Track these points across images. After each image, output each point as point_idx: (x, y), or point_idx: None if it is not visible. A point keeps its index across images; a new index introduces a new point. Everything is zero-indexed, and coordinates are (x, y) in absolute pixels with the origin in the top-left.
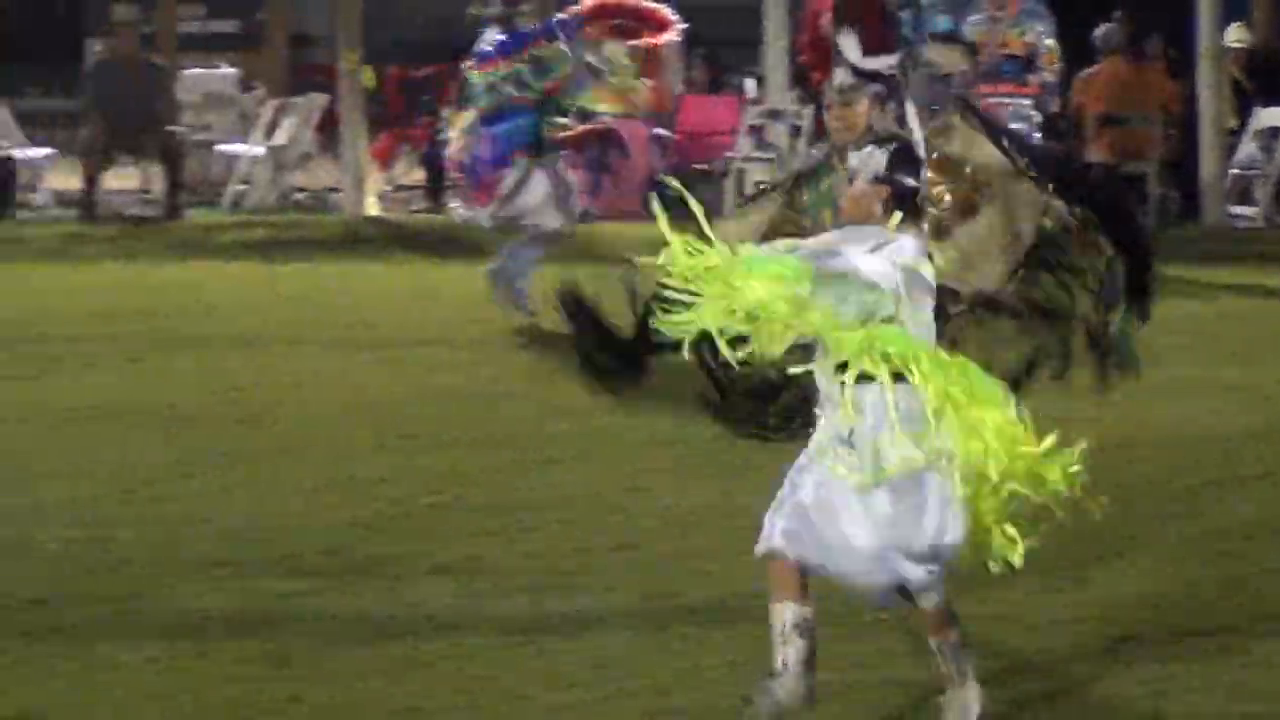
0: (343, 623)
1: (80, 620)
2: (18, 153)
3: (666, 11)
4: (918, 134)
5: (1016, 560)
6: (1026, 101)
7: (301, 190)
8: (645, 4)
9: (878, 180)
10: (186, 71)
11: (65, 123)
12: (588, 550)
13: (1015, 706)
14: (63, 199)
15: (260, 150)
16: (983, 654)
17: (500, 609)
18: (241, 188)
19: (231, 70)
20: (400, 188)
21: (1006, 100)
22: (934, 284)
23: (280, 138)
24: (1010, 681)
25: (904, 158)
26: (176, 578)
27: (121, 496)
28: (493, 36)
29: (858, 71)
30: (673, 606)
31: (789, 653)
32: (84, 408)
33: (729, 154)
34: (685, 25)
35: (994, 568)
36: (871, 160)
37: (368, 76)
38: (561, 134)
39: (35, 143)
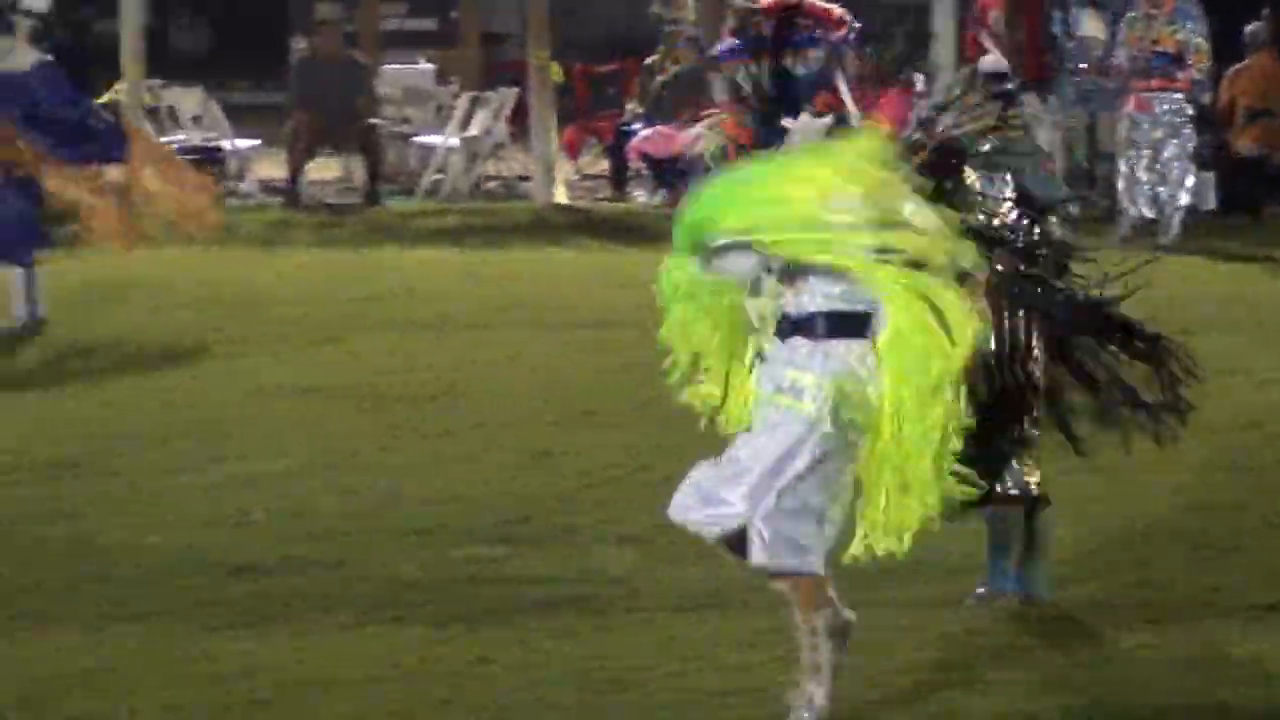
0: (531, 588)
1: (287, 587)
2: (226, 144)
3: (839, 10)
4: (853, 110)
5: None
6: (1179, 95)
7: (493, 179)
8: (819, 3)
9: None
10: (386, 67)
11: (271, 116)
12: None
13: None
14: (268, 187)
15: (455, 141)
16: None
17: (680, 575)
18: (437, 177)
19: (429, 66)
20: (586, 177)
21: (1158, 94)
22: None
23: (474, 129)
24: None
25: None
26: (376, 546)
27: (325, 469)
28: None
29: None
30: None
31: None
32: (289, 385)
33: None
34: (857, 23)
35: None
36: (811, 129)
37: (555, 72)
38: None
39: (243, 135)
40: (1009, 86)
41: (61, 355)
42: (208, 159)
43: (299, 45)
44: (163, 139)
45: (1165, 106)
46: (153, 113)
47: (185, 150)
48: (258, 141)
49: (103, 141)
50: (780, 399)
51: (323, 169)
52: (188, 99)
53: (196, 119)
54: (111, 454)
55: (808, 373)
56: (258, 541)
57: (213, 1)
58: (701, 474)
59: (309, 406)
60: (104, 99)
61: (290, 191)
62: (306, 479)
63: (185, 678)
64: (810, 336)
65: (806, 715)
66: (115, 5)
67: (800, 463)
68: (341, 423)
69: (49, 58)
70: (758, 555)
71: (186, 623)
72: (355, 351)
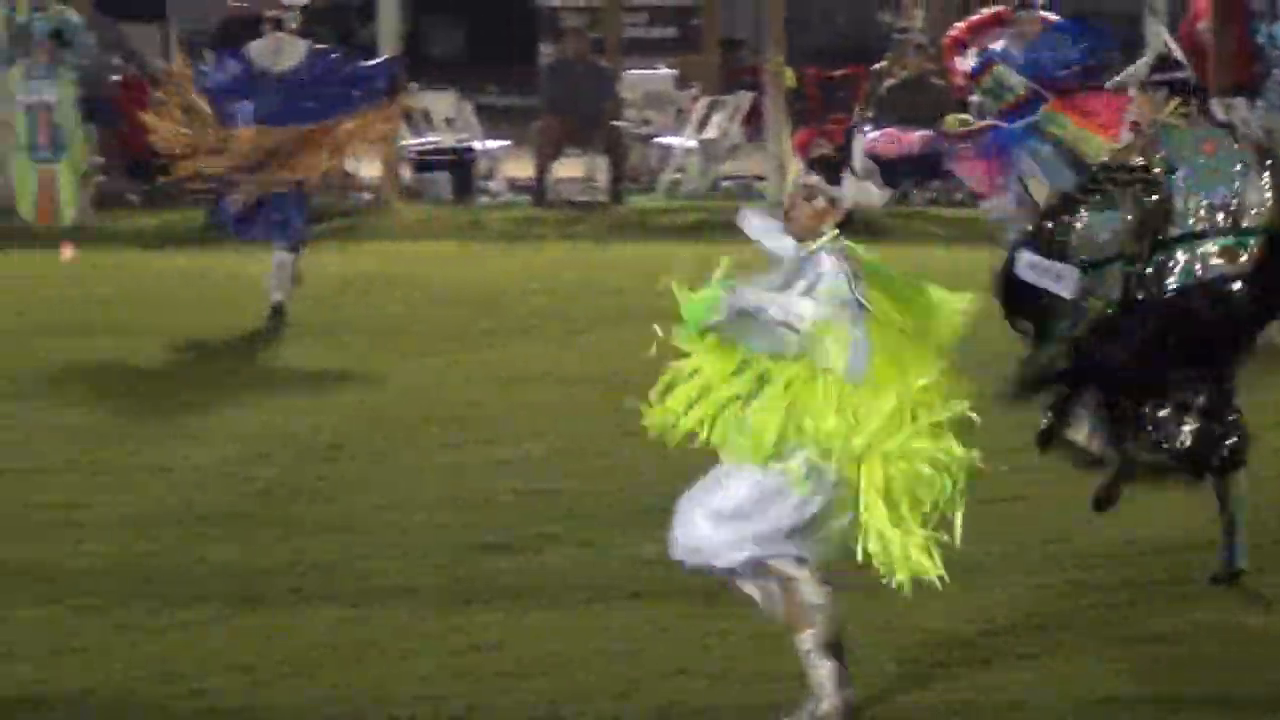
0: None
1: (536, 564)
2: (477, 144)
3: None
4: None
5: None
6: None
7: (730, 178)
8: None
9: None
10: (629, 72)
11: (520, 117)
12: None
13: None
14: (516, 186)
15: (693, 142)
16: None
17: None
18: (676, 176)
19: (669, 71)
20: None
21: None
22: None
23: (711, 131)
24: None
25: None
26: (618, 527)
27: (570, 454)
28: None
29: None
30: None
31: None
32: (536, 375)
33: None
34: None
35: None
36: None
37: (789, 77)
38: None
39: (493, 136)
40: (1181, 75)
41: (323, 345)
42: (460, 159)
43: (548, 51)
44: (417, 140)
45: None
46: (407, 116)
47: (438, 151)
48: (507, 142)
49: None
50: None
51: (568, 168)
52: (441, 102)
53: (449, 121)
54: (373, 438)
55: None
56: (508, 521)
57: (467, 9)
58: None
59: (555, 394)
60: None
61: (537, 190)
62: (553, 462)
63: (439, 650)
64: None
65: None
66: (375, 12)
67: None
68: (585, 410)
69: (317, 46)
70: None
71: (441, 598)
72: (599, 342)
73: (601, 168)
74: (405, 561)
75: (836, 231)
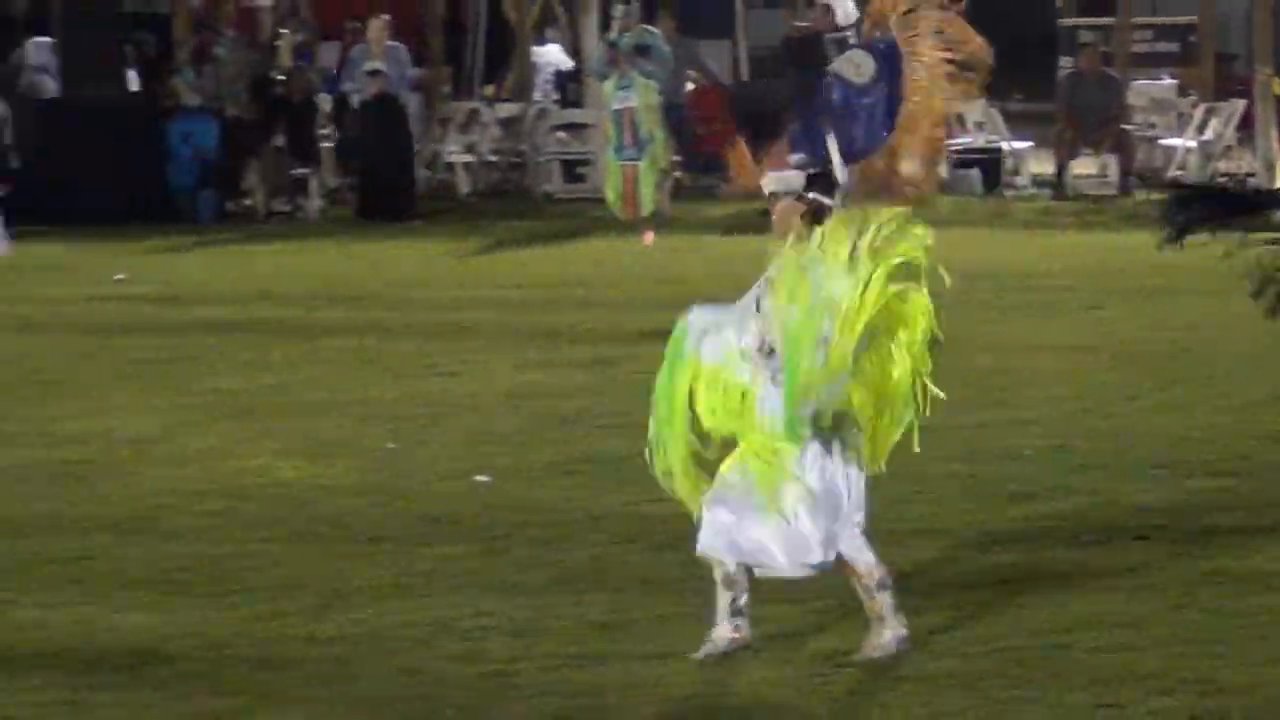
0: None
1: (1054, 511)
2: (1005, 145)
3: None
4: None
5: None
6: None
7: (1225, 175)
8: None
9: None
10: (1136, 82)
11: (1041, 121)
12: None
13: None
14: (1038, 181)
15: (1192, 144)
16: None
17: None
18: (1177, 173)
19: (1171, 81)
20: None
21: None
22: None
23: (1208, 134)
24: None
25: (821, 179)
26: (1124, 478)
27: (1082, 414)
28: None
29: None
30: None
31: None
32: (1053, 345)
33: None
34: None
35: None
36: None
37: (1276, 86)
38: None
39: (1019, 137)
40: None
41: None
42: (990, 157)
43: (1066, 64)
44: (950, 141)
45: None
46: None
47: (971, 150)
48: (1030, 143)
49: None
50: None
51: (1084, 165)
52: (973, 108)
53: (980, 124)
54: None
55: None
56: (1029, 473)
57: (998, 28)
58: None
59: (1070, 362)
60: None
61: (1057, 184)
62: (1068, 422)
63: (962, 583)
64: None
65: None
66: None
67: None
68: (1096, 375)
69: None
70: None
71: (968, 539)
72: (1109, 317)
73: (1112, 165)
74: (939, 507)
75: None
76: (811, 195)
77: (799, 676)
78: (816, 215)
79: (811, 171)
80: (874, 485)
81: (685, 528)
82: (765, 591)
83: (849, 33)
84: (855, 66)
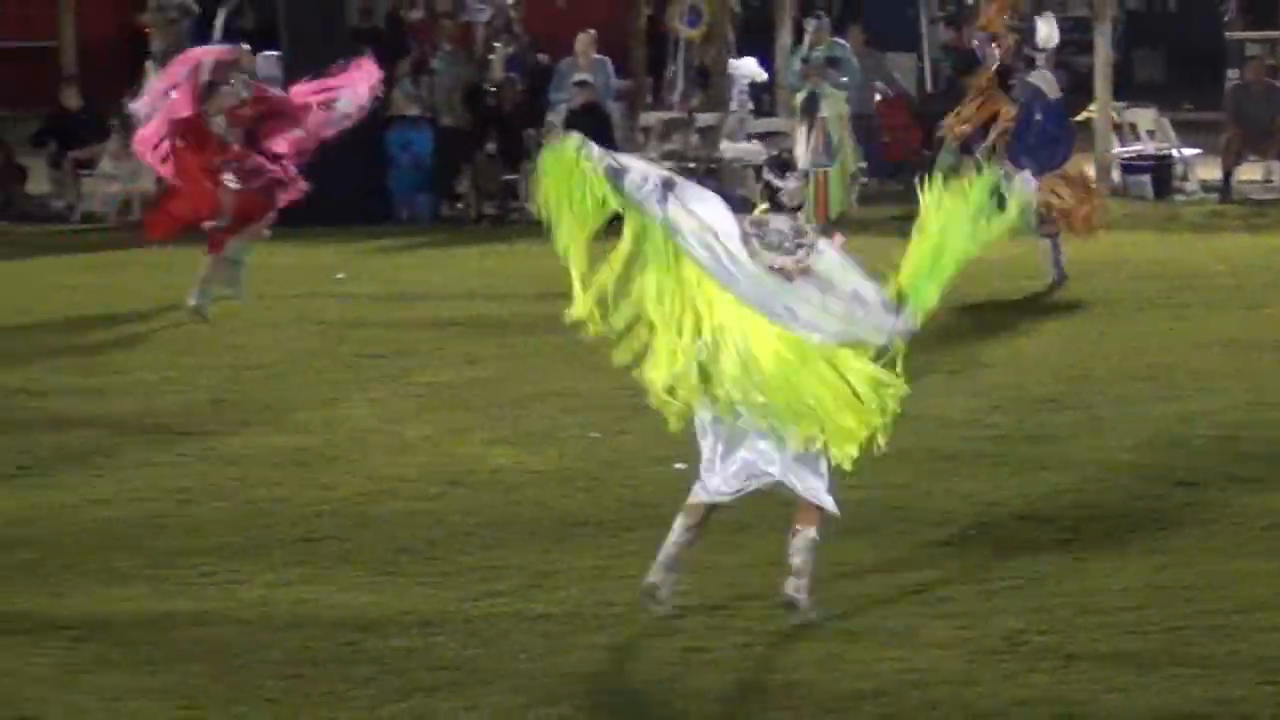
0: None
1: (1217, 499)
2: (1175, 153)
3: None
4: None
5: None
6: None
7: None
8: None
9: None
10: None
11: (1210, 129)
12: None
13: None
14: (1207, 186)
15: None
16: None
17: None
18: None
19: None
20: None
21: None
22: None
23: None
24: None
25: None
26: None
27: (1250, 406)
28: None
29: None
30: None
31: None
32: (1221, 340)
33: None
34: None
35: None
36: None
37: None
38: None
39: (1188, 145)
40: None
41: (1033, 312)
42: (1160, 164)
43: (1233, 75)
44: (1124, 149)
45: None
46: (1117, 128)
47: (1142, 157)
48: (1199, 151)
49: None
50: None
51: (1249, 171)
52: (1145, 117)
53: (1151, 133)
54: (1085, 392)
55: None
56: (1196, 463)
57: (1168, 42)
58: None
59: (1237, 357)
60: (1081, 117)
61: (1224, 189)
62: (1235, 414)
63: (1134, 569)
64: None
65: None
66: (1090, 43)
67: None
68: (1261, 370)
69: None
70: None
71: (1138, 525)
72: (1275, 315)
73: (1276, 171)
74: (1112, 495)
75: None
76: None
77: (979, 656)
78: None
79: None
80: (1042, 472)
81: (878, 513)
82: (954, 571)
83: (1040, 54)
84: (1049, 83)
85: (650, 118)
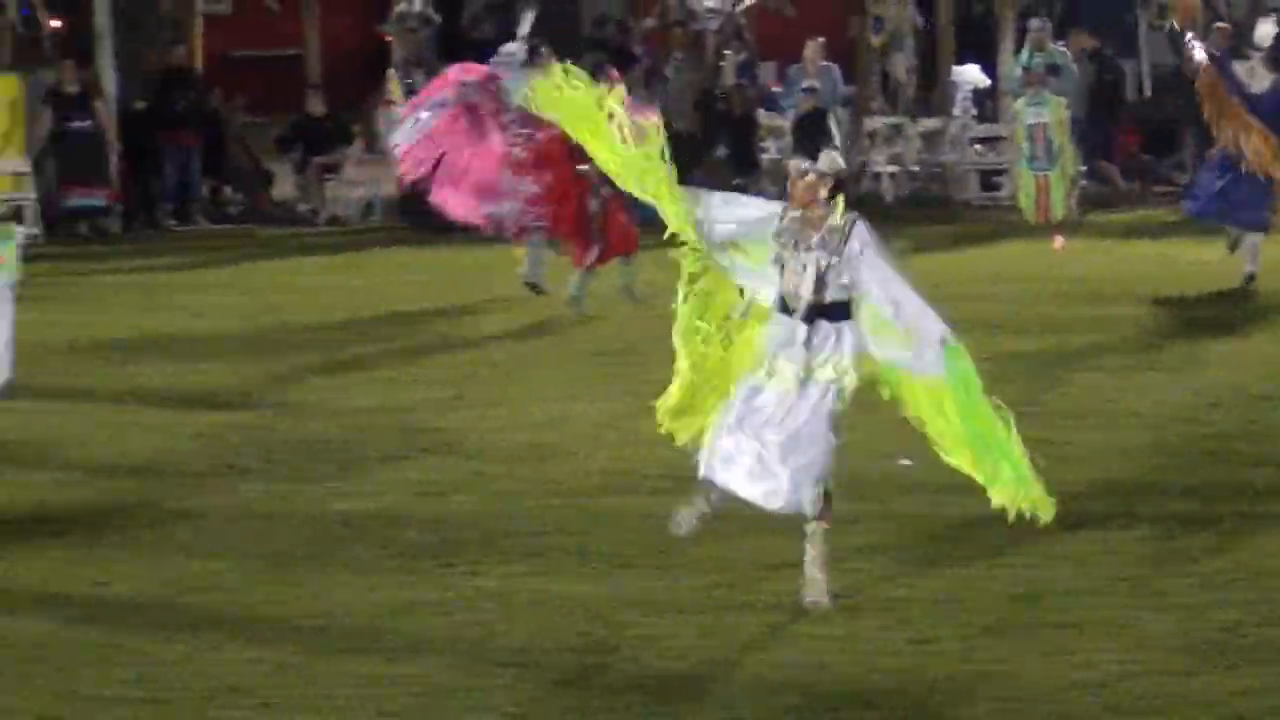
0: None
1: None
2: None
3: None
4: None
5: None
6: None
7: None
8: None
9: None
10: None
11: None
12: None
13: None
14: None
15: None
16: None
17: None
18: None
19: None
20: None
21: None
22: None
23: None
24: None
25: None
26: None
27: None
28: None
29: None
30: None
31: None
32: None
33: None
34: None
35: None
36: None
37: None
38: None
39: None
40: None
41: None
42: None
43: None
44: None
45: None
46: None
47: None
48: None
49: None
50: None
51: None
52: None
53: None
54: None
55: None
56: None
57: None
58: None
59: None
60: None
61: None
62: None
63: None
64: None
65: None
66: None
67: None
68: None
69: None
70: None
71: None
72: None
73: None
74: None
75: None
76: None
77: (1198, 648)
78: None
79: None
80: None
81: (1096, 507)
82: (1172, 564)
83: (1256, 53)
84: (1248, 76)
85: (875, 123)
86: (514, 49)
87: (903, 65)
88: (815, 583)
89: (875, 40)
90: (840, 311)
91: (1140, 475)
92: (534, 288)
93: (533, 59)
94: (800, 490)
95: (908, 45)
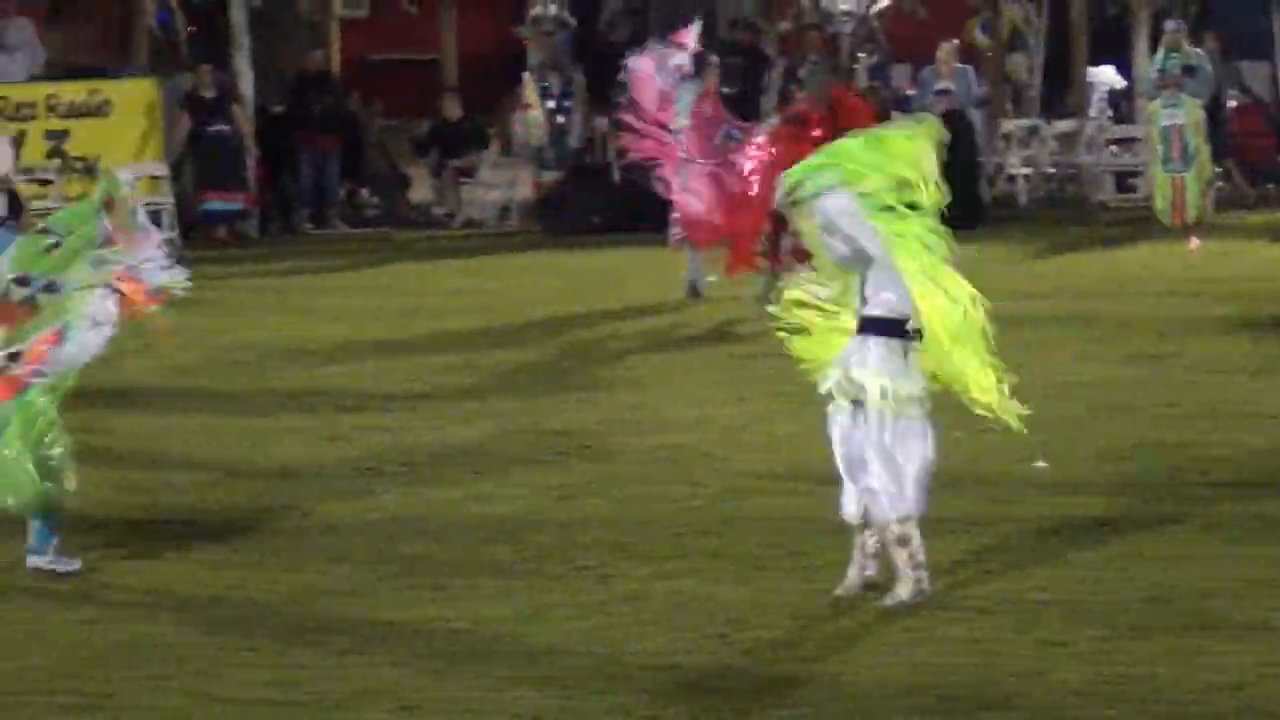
0: None
1: None
2: None
3: None
4: None
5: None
6: None
7: None
8: None
9: None
10: None
11: None
12: None
13: None
14: None
15: None
16: None
17: None
18: None
19: None
20: None
21: None
22: None
23: None
24: None
25: None
26: None
27: None
28: None
29: None
30: None
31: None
32: None
33: None
34: None
35: None
36: None
37: None
38: None
39: None
40: None
41: None
42: None
43: None
44: None
45: None
46: None
47: None
48: None
49: None
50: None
51: None
52: None
53: None
54: None
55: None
56: None
57: None
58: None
59: None
60: None
61: None
62: None
63: None
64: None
65: None
66: None
67: None
68: None
69: None
70: None
71: None
72: None
73: None
74: None
75: None
76: None
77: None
78: None
79: None
80: None
81: (1228, 513)
82: None
83: None
84: None
85: (1009, 124)
86: (682, 59)
87: (1024, 66)
88: (905, 580)
89: (985, 41)
90: (870, 326)
91: (1273, 477)
92: (693, 292)
93: (699, 69)
94: (878, 496)
95: (1031, 46)
